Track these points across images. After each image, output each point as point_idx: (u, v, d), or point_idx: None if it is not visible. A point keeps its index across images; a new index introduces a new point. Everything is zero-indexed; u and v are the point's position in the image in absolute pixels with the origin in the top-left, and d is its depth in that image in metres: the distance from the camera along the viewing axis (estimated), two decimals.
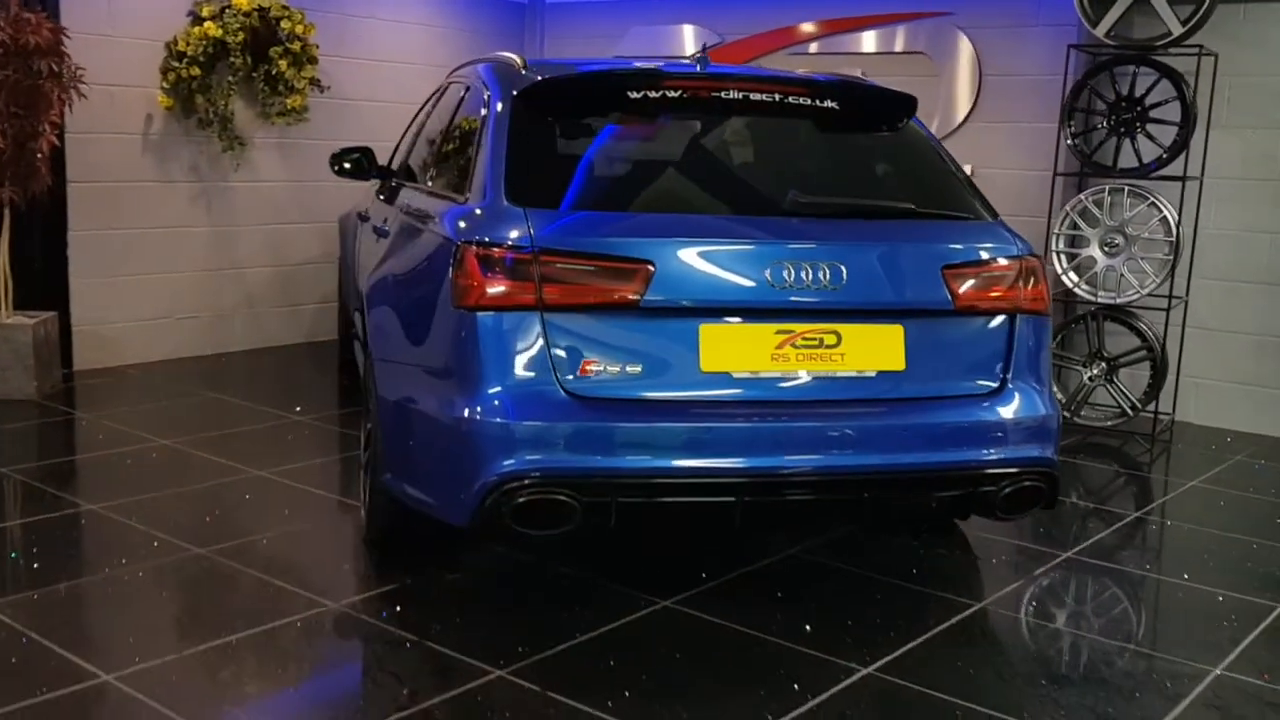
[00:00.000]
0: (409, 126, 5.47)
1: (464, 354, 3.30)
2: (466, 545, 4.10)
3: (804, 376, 3.38)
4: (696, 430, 3.28)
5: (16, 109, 5.60)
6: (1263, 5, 6.21)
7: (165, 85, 6.74)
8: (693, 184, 3.82)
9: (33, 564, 3.85)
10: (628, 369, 3.30)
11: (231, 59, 6.73)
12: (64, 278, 6.52)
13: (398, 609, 3.58)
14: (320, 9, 7.29)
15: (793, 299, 3.35)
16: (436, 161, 4.51)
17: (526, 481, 3.19)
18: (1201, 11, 5.85)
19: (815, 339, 3.38)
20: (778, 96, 3.82)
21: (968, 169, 4.69)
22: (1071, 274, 6.31)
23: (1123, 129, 6.28)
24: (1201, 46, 5.96)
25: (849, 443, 3.37)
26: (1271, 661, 3.48)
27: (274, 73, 6.94)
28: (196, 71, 6.69)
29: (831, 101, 3.84)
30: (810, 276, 3.35)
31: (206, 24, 6.67)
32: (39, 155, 5.69)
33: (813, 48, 7.58)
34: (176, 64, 6.68)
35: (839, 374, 3.40)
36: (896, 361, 3.46)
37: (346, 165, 5.11)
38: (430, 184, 4.39)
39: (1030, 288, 3.63)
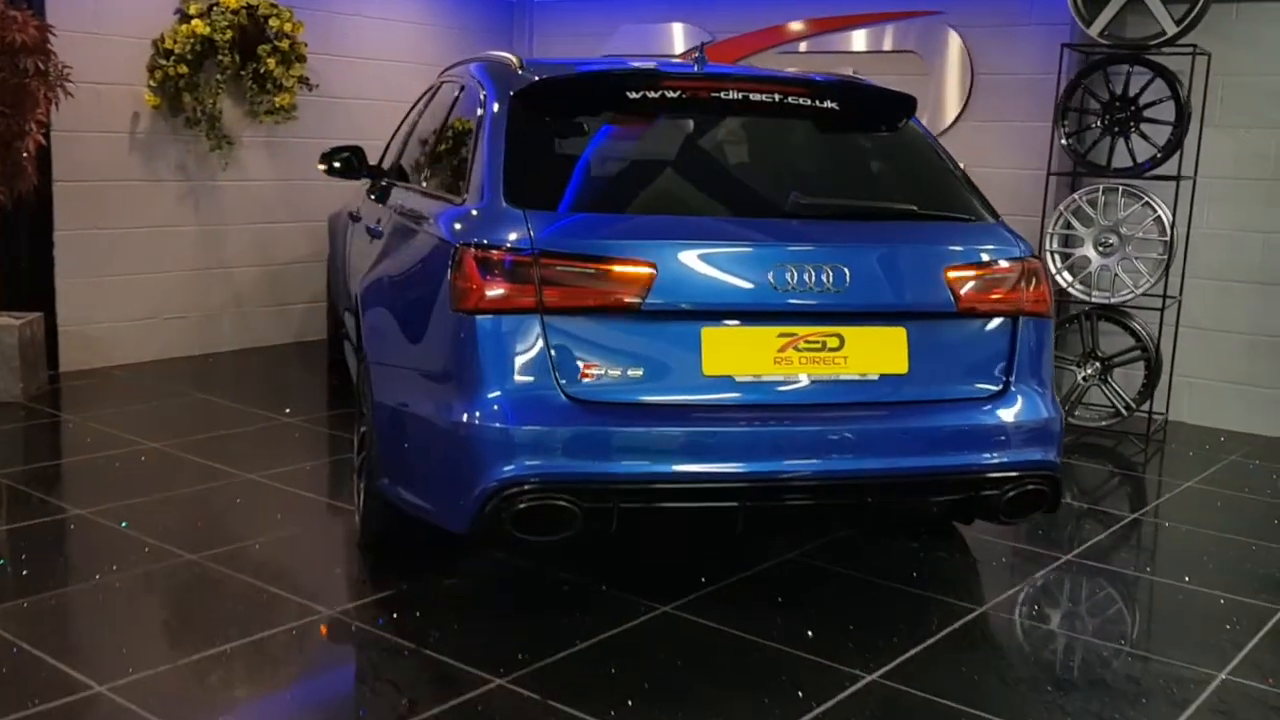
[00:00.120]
0: (400, 125, 5.40)
1: (462, 357, 3.26)
2: (463, 550, 4.05)
3: (806, 380, 3.35)
4: (699, 435, 3.25)
5: (2, 108, 5.53)
6: (1256, 5, 6.20)
7: (152, 84, 6.67)
8: (693, 185, 3.78)
9: (21, 571, 3.79)
10: (629, 373, 3.26)
11: (219, 57, 6.67)
12: (50, 278, 6.45)
13: (394, 616, 3.53)
14: (308, 7, 7.23)
15: (795, 301, 3.32)
16: (431, 162, 4.45)
17: (527, 487, 3.15)
18: (1195, 11, 5.84)
19: (818, 342, 3.35)
20: (777, 97, 3.78)
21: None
22: (1066, 274, 6.29)
23: (1116, 128, 6.27)
24: (1195, 46, 5.95)
25: (852, 447, 3.34)
26: (1275, 665, 3.47)
27: (262, 71, 6.88)
28: (184, 70, 6.62)
29: (831, 102, 3.81)
30: (813, 279, 3.31)
31: (194, 22, 6.61)
32: (25, 154, 5.63)
33: (803, 46, 7.56)
34: (164, 62, 6.61)
35: (842, 377, 3.37)
36: (899, 364, 3.43)
37: (337, 164, 5.06)
38: (425, 184, 4.34)
39: (1032, 289, 3.60)
